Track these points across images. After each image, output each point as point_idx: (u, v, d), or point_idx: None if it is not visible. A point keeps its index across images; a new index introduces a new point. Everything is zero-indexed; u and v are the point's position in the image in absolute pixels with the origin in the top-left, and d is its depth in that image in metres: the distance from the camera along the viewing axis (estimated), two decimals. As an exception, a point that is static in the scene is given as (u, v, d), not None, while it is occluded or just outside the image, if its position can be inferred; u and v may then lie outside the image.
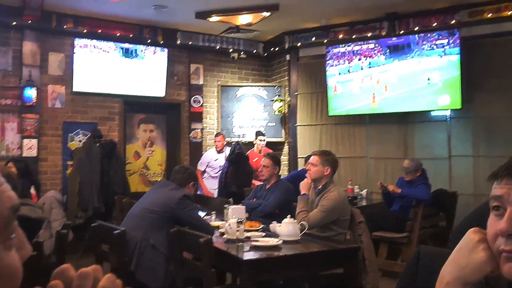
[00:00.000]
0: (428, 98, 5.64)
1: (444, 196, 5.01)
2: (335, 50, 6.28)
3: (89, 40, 6.07)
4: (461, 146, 5.63)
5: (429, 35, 5.58)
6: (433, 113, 5.86)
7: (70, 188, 5.53)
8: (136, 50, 6.41)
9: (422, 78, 5.64)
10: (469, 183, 5.52)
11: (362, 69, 6.04)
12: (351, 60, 6.10)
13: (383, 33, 5.95)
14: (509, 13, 5.11)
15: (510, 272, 0.73)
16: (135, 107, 6.76)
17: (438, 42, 5.49)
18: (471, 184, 5.51)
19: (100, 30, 6.09)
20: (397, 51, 5.78)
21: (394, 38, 5.82)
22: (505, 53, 5.28)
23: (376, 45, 5.92)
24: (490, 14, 5.24)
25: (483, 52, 5.41)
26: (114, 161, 5.83)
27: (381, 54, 5.87)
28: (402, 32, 5.83)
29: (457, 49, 5.37)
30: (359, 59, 6.05)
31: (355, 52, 6.09)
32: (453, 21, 5.47)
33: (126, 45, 6.35)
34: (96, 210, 5.39)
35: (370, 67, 5.98)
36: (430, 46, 5.56)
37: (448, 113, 5.69)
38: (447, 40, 5.44)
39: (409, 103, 5.78)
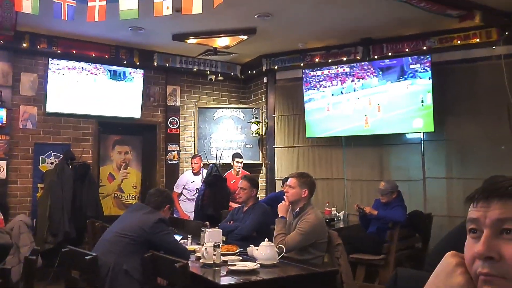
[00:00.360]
0: (403, 121, 5.75)
1: (420, 217, 5.07)
2: (324, 72, 6.29)
3: (64, 60, 5.98)
4: (434, 168, 5.73)
5: (403, 60, 5.73)
6: (407, 136, 5.98)
7: (40, 211, 5.35)
8: (124, 72, 6.38)
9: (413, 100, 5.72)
10: (443, 204, 5.61)
11: (354, 90, 6.05)
12: (344, 81, 6.13)
13: (358, 58, 6.09)
14: (477, 40, 5.31)
15: None
16: (110, 128, 6.65)
17: (411, 66, 5.65)
18: (445, 206, 5.60)
19: (75, 51, 6.02)
20: (388, 72, 5.86)
21: (387, 60, 5.85)
22: (474, 78, 5.46)
23: (369, 66, 5.97)
24: (459, 41, 5.44)
25: (454, 77, 5.58)
26: (87, 183, 5.68)
27: (373, 76, 5.90)
28: (376, 57, 5.98)
29: (429, 74, 5.53)
30: (352, 81, 6.06)
31: (347, 73, 6.11)
32: (425, 47, 5.65)
33: (114, 67, 6.32)
34: (66, 235, 5.21)
35: (363, 89, 6.00)
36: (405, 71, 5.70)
37: (422, 135, 5.81)
38: (419, 65, 5.60)
39: (388, 125, 5.86)
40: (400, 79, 5.73)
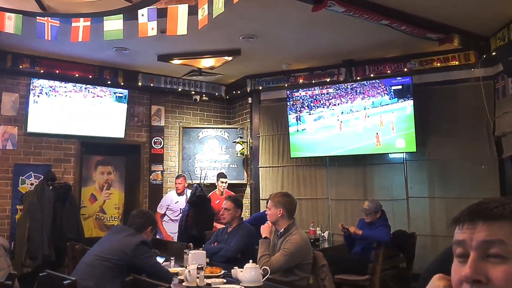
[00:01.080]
0: (386, 141, 5.82)
1: (404, 237, 5.07)
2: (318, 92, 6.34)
3: (47, 80, 5.93)
4: (417, 187, 5.79)
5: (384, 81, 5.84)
6: (390, 156, 6.04)
7: (19, 234, 5.21)
8: (126, 95, 6.43)
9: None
10: (426, 223, 5.66)
11: (365, 108, 6.02)
12: (354, 99, 6.12)
13: (341, 79, 6.18)
14: (456, 62, 5.45)
15: None
16: (92, 148, 6.56)
17: (393, 88, 5.75)
18: (428, 225, 5.64)
19: (58, 71, 5.98)
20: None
21: (399, 78, 5.79)
22: (454, 99, 5.58)
23: (381, 84, 5.95)
24: (439, 63, 5.57)
25: (435, 98, 5.70)
26: (68, 205, 5.58)
27: (385, 94, 5.89)
28: (359, 78, 6.08)
29: (410, 95, 5.63)
30: (362, 98, 6.03)
31: (357, 91, 6.08)
32: (406, 69, 5.77)
33: (120, 90, 6.40)
34: (46, 258, 5.07)
35: (373, 107, 5.96)
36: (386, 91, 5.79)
37: (404, 155, 5.88)
38: (401, 86, 5.71)
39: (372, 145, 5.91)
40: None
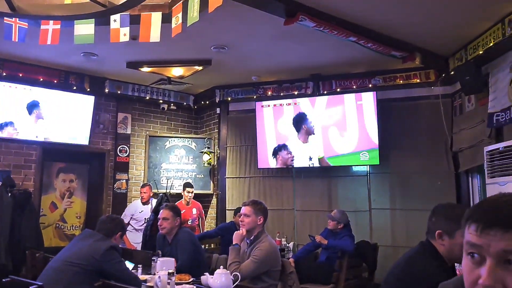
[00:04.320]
0: (351, 154, 5.99)
1: (366, 247, 5.22)
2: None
3: (9, 83, 5.75)
4: (379, 199, 5.98)
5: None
6: (354, 168, 6.21)
7: (-26, 242, 4.95)
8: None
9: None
10: (387, 234, 5.83)
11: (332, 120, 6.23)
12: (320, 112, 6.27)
13: (309, 92, 6.33)
14: (417, 80, 5.73)
15: None
16: (54, 155, 6.37)
17: (358, 102, 5.95)
18: (389, 236, 5.82)
19: (21, 74, 5.81)
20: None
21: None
22: (415, 115, 5.84)
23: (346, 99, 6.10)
24: (402, 81, 5.83)
25: (397, 114, 5.94)
26: (28, 212, 5.36)
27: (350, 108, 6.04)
28: (325, 92, 6.25)
29: (374, 110, 5.84)
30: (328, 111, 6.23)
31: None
32: (370, 85, 6.00)
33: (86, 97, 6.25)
34: (2, 267, 4.85)
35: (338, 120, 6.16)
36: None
37: (367, 168, 6.06)
38: (365, 102, 5.91)
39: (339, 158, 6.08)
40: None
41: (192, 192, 6.25)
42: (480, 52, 4.56)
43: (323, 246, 4.86)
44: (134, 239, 5.98)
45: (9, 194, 5.29)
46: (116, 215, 3.36)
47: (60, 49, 5.27)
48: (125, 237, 5.97)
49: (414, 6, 4.03)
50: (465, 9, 4.06)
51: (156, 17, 4.04)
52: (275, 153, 6.45)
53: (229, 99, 6.90)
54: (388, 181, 5.99)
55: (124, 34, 4.15)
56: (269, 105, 6.49)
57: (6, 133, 5.77)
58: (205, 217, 6.94)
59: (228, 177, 6.95)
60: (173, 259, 3.30)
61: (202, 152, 7.03)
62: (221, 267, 2.86)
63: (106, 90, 6.53)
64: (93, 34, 4.09)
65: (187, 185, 6.33)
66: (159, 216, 3.94)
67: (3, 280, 2.59)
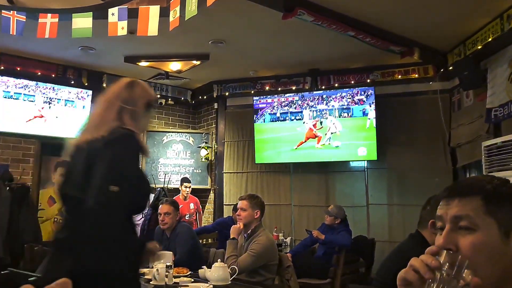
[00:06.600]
0: (349, 149, 6.00)
1: (364, 242, 5.23)
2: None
3: (7, 77, 5.73)
4: (377, 195, 5.99)
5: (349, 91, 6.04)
6: (352, 164, 6.22)
7: (-29, 236, 4.95)
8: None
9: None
10: (384, 230, 5.85)
11: (331, 114, 6.24)
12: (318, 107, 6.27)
13: (307, 87, 6.33)
14: (416, 75, 5.73)
15: None
16: (53, 149, 6.35)
17: (357, 98, 5.95)
18: (386, 231, 5.84)
19: (19, 68, 5.79)
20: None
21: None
22: (413, 111, 5.84)
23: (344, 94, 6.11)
24: (400, 76, 5.83)
25: (395, 109, 5.94)
26: (25, 207, 5.37)
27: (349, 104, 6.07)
28: (323, 87, 6.25)
29: (372, 105, 5.84)
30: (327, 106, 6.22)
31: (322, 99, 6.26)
32: (368, 80, 6.00)
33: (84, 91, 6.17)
34: (0, 261, 4.85)
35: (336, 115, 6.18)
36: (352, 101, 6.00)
37: (365, 164, 6.07)
38: (364, 97, 5.92)
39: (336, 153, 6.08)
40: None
41: (189, 187, 6.26)
42: (479, 47, 4.56)
43: (320, 241, 4.88)
44: (132, 233, 5.98)
45: (7, 188, 5.29)
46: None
47: (57, 43, 5.25)
48: (123, 231, 5.98)
49: (413, 0, 4.03)
50: (464, 4, 4.05)
51: (154, 11, 4.03)
52: (273, 148, 6.45)
53: (227, 94, 6.89)
54: (386, 176, 6.00)
55: (122, 28, 4.13)
56: (266, 100, 6.49)
57: (4, 127, 5.75)
58: (203, 212, 6.96)
59: (225, 172, 6.95)
60: (171, 252, 3.31)
61: (199, 147, 7.03)
62: (219, 260, 2.87)
63: (104, 85, 6.50)
64: (91, 28, 4.08)
65: (184, 180, 6.33)
66: (160, 211, 3.97)
67: (1, 272, 2.59)
